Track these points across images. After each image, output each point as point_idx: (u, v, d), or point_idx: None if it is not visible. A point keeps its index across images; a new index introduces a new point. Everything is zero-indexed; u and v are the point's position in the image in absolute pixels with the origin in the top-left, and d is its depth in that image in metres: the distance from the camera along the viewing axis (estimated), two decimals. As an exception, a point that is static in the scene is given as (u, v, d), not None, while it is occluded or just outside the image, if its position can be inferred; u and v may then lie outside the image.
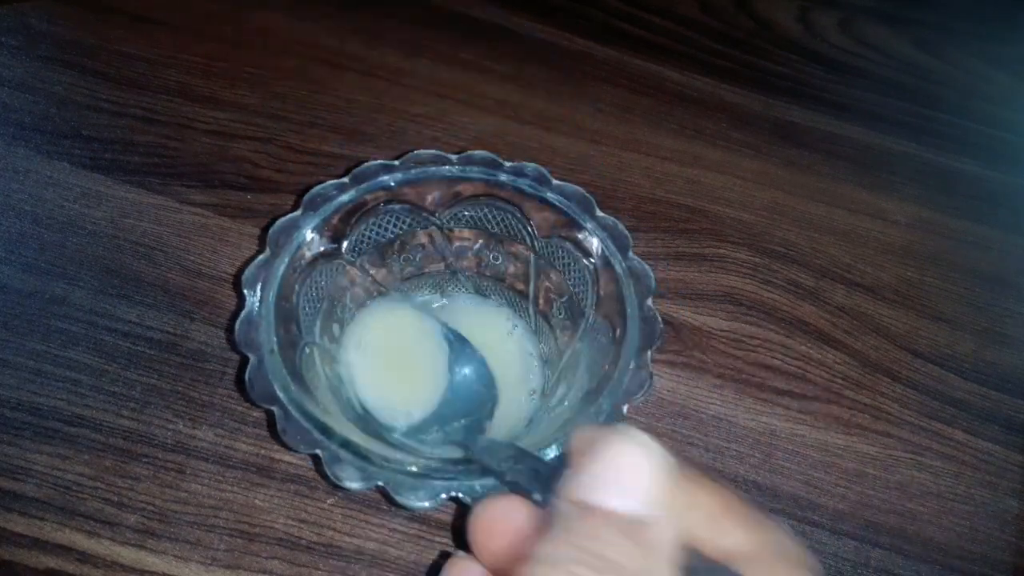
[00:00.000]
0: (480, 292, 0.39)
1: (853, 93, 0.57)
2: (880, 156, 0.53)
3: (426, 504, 0.26)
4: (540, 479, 0.24)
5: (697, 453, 0.37)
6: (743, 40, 0.59)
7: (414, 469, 0.27)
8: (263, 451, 0.34)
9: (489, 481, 0.27)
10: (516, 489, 0.25)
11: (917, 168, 0.53)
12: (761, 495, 0.36)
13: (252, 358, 0.28)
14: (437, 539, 0.32)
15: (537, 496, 0.23)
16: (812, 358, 0.41)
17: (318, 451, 0.27)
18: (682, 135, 0.51)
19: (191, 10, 0.51)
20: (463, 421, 0.34)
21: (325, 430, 0.27)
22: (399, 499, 0.26)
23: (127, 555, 0.30)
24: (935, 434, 0.39)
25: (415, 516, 0.33)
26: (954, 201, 0.51)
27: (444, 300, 0.39)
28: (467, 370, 0.35)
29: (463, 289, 0.39)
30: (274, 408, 0.27)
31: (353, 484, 0.26)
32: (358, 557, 0.31)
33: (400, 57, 0.51)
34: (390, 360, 0.35)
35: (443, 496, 0.26)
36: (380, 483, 0.26)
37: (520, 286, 0.37)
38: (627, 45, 0.56)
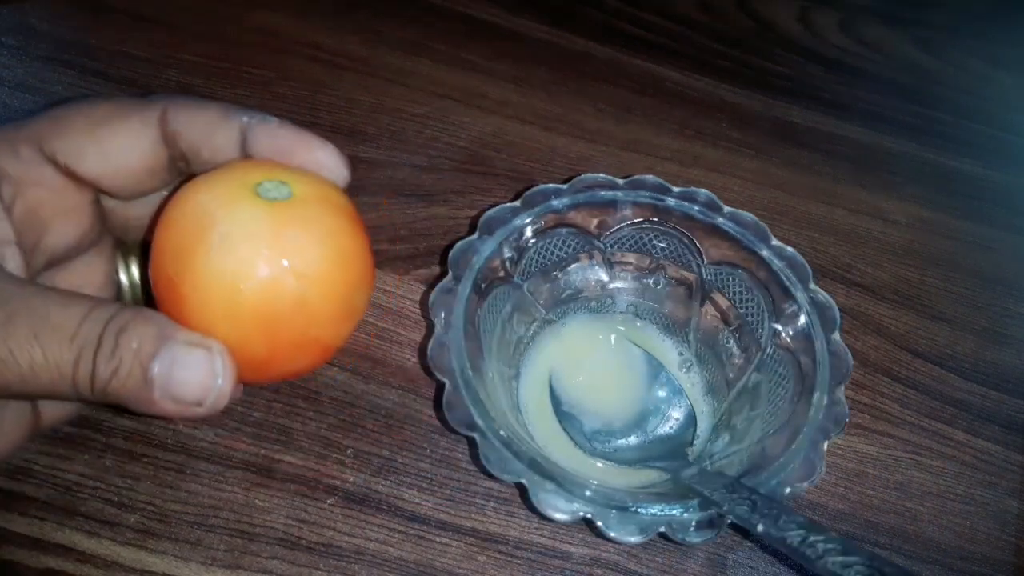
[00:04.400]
0: (638, 316, 0.38)
1: (853, 93, 0.57)
2: (880, 156, 0.53)
3: (636, 539, 0.26)
4: (758, 510, 0.25)
5: (697, 453, 0.37)
6: (743, 40, 0.59)
7: (623, 503, 0.26)
8: (263, 451, 0.34)
9: (695, 512, 0.26)
10: (732, 519, 0.26)
11: (917, 168, 0.53)
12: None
13: (447, 383, 0.28)
14: (438, 539, 0.32)
15: (759, 527, 0.24)
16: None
17: (523, 480, 0.26)
18: (682, 135, 0.51)
19: (191, 10, 0.51)
20: (662, 439, 0.34)
21: (532, 462, 0.27)
22: (611, 534, 0.26)
23: (127, 555, 0.30)
24: (935, 434, 0.39)
25: (415, 516, 0.33)
26: (954, 201, 0.51)
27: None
28: (664, 393, 0.35)
29: (620, 312, 0.39)
30: (475, 435, 0.27)
31: (559, 515, 0.26)
32: (358, 557, 0.31)
33: (400, 57, 0.51)
34: (593, 372, 0.36)
35: (656, 531, 0.26)
36: (587, 515, 0.26)
37: (680, 313, 0.37)
38: (627, 45, 0.56)
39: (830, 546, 0.23)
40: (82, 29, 0.49)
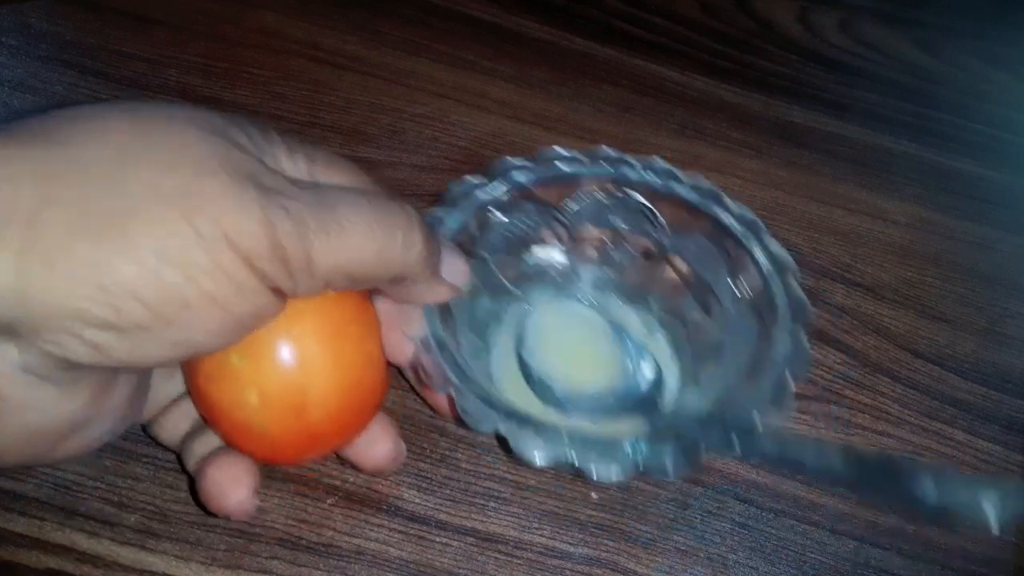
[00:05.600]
0: (601, 287, 0.39)
1: (853, 93, 0.57)
2: (880, 156, 0.53)
3: (617, 476, 0.26)
4: (740, 437, 0.27)
5: (697, 453, 0.37)
6: (743, 40, 0.59)
7: (605, 440, 0.27)
8: (263, 451, 0.33)
9: (672, 445, 0.27)
10: (711, 449, 0.27)
11: (917, 168, 0.53)
12: (761, 495, 0.36)
13: (421, 346, 0.29)
14: (438, 539, 0.32)
15: (736, 450, 0.26)
16: (812, 358, 0.41)
17: (502, 429, 0.27)
18: (682, 135, 0.51)
19: (191, 10, 0.51)
20: (634, 400, 0.34)
21: (510, 411, 0.27)
22: (594, 475, 0.26)
23: (127, 555, 0.30)
24: (935, 434, 0.39)
25: (415, 516, 0.33)
26: (954, 201, 0.51)
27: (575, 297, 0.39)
28: (631, 358, 0.36)
29: (584, 284, 0.39)
30: (451, 390, 0.28)
31: (540, 459, 0.26)
32: (358, 557, 0.31)
33: (400, 57, 0.51)
34: (561, 344, 0.36)
35: (636, 465, 0.26)
36: (569, 458, 0.26)
37: (642, 280, 0.38)
38: (627, 45, 0.56)
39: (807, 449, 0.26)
40: (82, 29, 0.49)
